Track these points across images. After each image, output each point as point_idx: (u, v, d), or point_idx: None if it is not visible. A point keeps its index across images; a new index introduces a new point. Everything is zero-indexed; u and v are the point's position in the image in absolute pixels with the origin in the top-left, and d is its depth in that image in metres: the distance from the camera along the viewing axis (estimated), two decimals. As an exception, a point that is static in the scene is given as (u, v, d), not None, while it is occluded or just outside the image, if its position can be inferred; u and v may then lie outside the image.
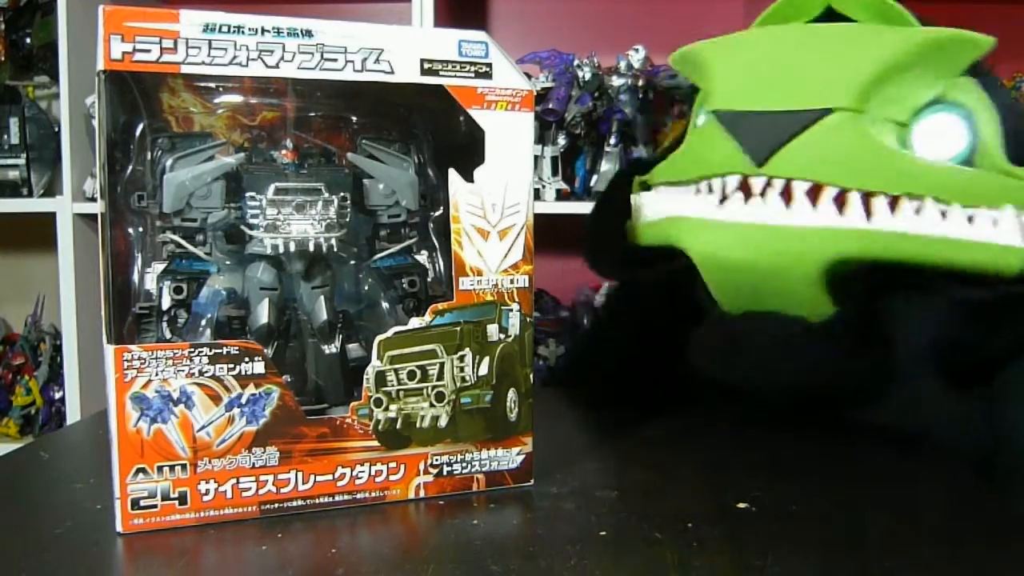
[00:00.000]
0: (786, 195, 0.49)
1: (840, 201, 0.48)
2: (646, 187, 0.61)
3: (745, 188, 0.50)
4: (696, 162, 0.53)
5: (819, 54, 0.50)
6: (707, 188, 0.52)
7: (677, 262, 0.54)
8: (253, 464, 0.43)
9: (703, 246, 0.51)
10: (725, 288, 0.52)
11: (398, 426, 0.45)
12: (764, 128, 0.48)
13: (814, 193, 0.48)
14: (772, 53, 0.52)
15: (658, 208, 0.56)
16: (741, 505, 0.45)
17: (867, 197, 0.47)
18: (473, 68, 0.45)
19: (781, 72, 0.50)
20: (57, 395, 1.46)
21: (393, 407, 0.45)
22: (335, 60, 0.43)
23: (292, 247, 0.44)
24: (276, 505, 0.43)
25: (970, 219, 0.47)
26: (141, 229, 0.43)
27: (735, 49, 0.55)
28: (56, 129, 1.41)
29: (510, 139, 0.46)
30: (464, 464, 0.47)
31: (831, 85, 0.48)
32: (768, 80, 0.51)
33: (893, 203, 0.47)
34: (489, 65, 0.45)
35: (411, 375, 0.45)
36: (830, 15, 0.57)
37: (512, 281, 0.47)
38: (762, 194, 0.49)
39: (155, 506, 0.41)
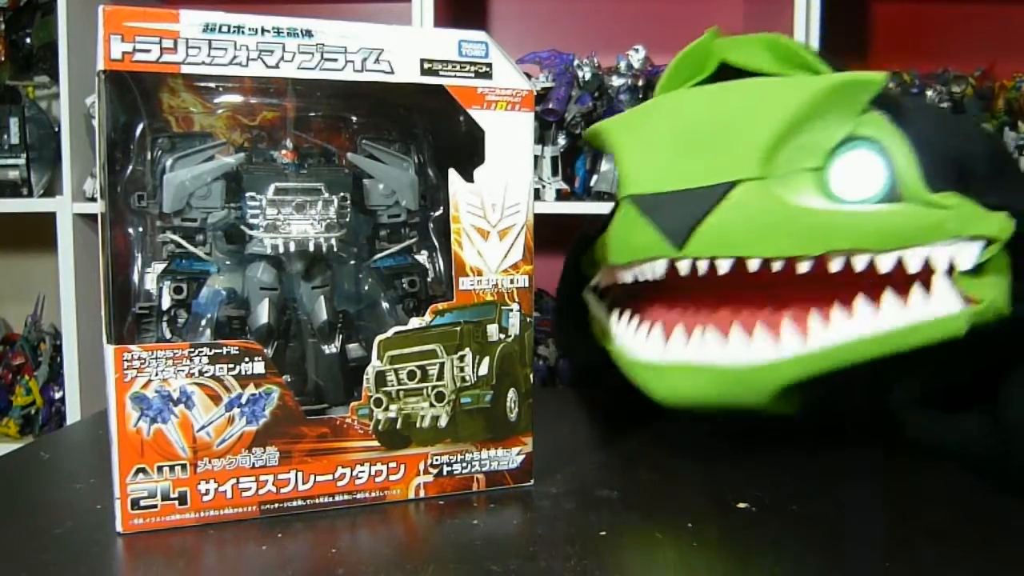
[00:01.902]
0: (722, 329, 0.50)
1: (772, 319, 0.49)
2: (591, 278, 0.63)
3: (672, 272, 0.51)
4: (624, 247, 0.54)
5: (717, 123, 0.51)
6: (643, 279, 0.53)
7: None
8: (253, 464, 0.43)
9: (659, 388, 0.52)
10: (690, 411, 0.53)
11: (398, 426, 0.45)
12: (677, 209, 0.49)
13: (739, 273, 0.49)
14: (673, 127, 0.53)
15: (614, 336, 0.57)
16: (741, 505, 0.45)
17: (800, 313, 0.48)
18: (473, 68, 0.45)
19: (684, 147, 0.51)
20: (57, 395, 1.46)
21: (393, 407, 0.45)
22: (335, 60, 0.43)
23: (292, 247, 0.44)
24: (276, 505, 0.43)
25: (903, 290, 0.46)
26: (141, 229, 0.43)
27: (638, 127, 0.55)
28: (56, 129, 1.41)
29: (510, 139, 0.46)
30: (464, 464, 0.47)
31: (732, 156, 0.48)
32: (673, 158, 0.51)
33: (824, 309, 0.48)
34: (489, 65, 0.45)
35: (411, 375, 0.45)
36: (725, 69, 0.58)
37: (512, 281, 0.47)
38: (692, 276, 0.50)
39: (155, 506, 0.41)
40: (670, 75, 0.61)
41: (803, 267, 0.47)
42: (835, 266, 0.47)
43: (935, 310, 0.45)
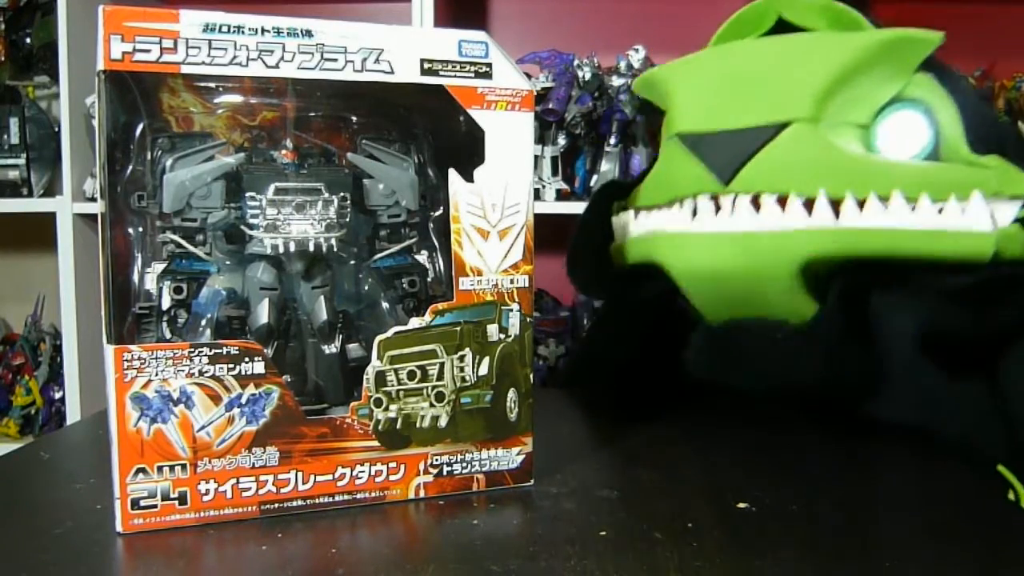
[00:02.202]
0: (755, 204, 0.49)
1: (808, 205, 0.48)
2: (624, 209, 0.62)
3: (715, 205, 0.51)
4: (666, 186, 0.54)
5: (772, 68, 0.51)
6: (679, 207, 0.53)
7: (656, 283, 0.55)
8: (253, 464, 0.43)
9: (679, 260, 0.52)
10: (705, 299, 0.53)
11: (398, 426, 0.45)
12: (726, 147, 0.49)
13: (782, 202, 0.49)
14: (728, 71, 0.53)
15: (637, 228, 0.58)
16: (741, 505, 0.45)
17: (835, 201, 0.48)
18: (473, 68, 0.45)
19: (738, 90, 0.51)
20: (57, 395, 1.46)
21: (393, 407, 0.45)
22: (335, 60, 0.43)
23: (292, 247, 0.44)
24: (276, 505, 0.43)
25: (939, 211, 0.47)
26: (141, 229, 0.43)
27: (692, 70, 0.56)
28: (56, 129, 1.41)
29: (510, 139, 0.46)
30: (464, 464, 0.47)
31: (786, 98, 0.49)
32: (726, 99, 0.51)
33: (861, 204, 0.48)
34: (489, 65, 0.45)
35: (411, 375, 0.45)
36: (782, 27, 0.58)
37: (512, 281, 0.47)
38: (732, 206, 0.50)
39: (155, 506, 0.41)
40: (727, 29, 0.60)
41: (846, 204, 0.47)
42: (875, 207, 0.47)
43: (968, 222, 0.46)
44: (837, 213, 0.48)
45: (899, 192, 0.47)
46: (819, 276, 0.49)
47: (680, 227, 0.52)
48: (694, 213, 0.52)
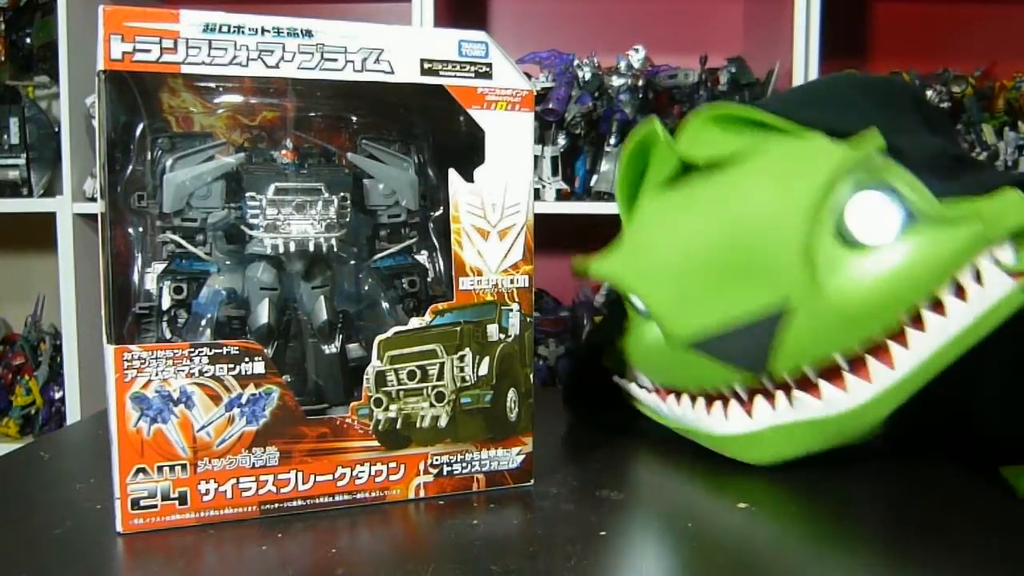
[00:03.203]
0: (809, 390, 0.49)
1: (858, 366, 0.48)
2: (622, 364, 0.61)
3: (763, 391, 0.51)
4: (693, 379, 0.53)
5: (741, 247, 0.49)
6: (722, 408, 0.53)
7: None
8: (253, 464, 0.43)
9: (759, 457, 0.52)
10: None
11: (398, 426, 0.45)
12: (742, 341, 0.48)
13: (828, 375, 0.49)
14: (693, 264, 0.51)
15: (679, 413, 0.56)
16: (741, 505, 0.45)
17: (878, 349, 0.48)
18: (473, 68, 0.45)
19: (719, 280, 0.50)
20: (57, 395, 1.46)
21: (393, 407, 0.45)
22: (335, 60, 0.43)
23: (292, 247, 0.44)
24: (276, 505, 0.43)
25: (965, 301, 0.47)
26: (141, 229, 0.43)
27: (657, 268, 0.52)
28: (56, 129, 1.41)
29: (510, 139, 0.46)
30: (464, 464, 0.47)
31: (775, 277, 0.48)
32: (712, 294, 0.50)
33: (897, 337, 0.48)
34: (489, 65, 0.45)
35: (411, 375, 0.45)
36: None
37: (512, 281, 0.47)
38: (788, 398, 0.50)
39: (155, 506, 0.41)
40: (623, 178, 0.57)
41: (896, 359, 0.47)
42: (906, 319, 0.47)
43: (993, 295, 0.47)
44: (890, 363, 0.47)
45: (926, 310, 0.47)
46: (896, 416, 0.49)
47: (743, 428, 0.51)
48: (747, 411, 0.51)
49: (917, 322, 0.47)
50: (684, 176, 0.54)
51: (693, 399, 0.55)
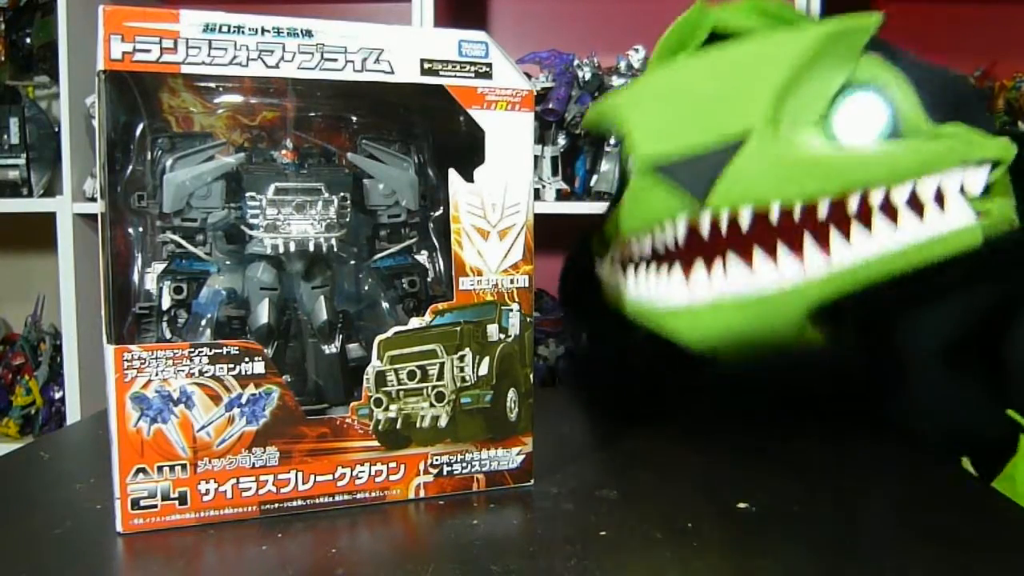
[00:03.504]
0: (741, 245, 0.50)
1: (794, 242, 0.49)
2: (605, 246, 0.62)
3: (692, 235, 0.51)
4: (641, 213, 0.54)
5: (720, 82, 0.51)
6: (662, 246, 0.54)
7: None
8: (253, 464, 0.43)
9: (691, 332, 0.53)
10: (717, 350, 0.54)
11: (398, 426, 0.45)
12: (694, 167, 0.50)
13: (771, 249, 0.49)
14: (677, 92, 0.53)
15: (635, 291, 0.57)
16: (741, 505, 0.45)
17: (820, 230, 0.48)
18: (473, 68, 0.45)
19: (690, 110, 0.51)
20: (57, 395, 1.46)
21: (393, 407, 0.45)
22: (335, 60, 0.43)
23: (292, 247, 0.44)
24: (276, 505, 0.43)
25: (916, 208, 0.47)
26: (141, 229, 0.43)
27: (643, 96, 0.55)
28: (56, 129, 1.41)
29: (510, 139, 0.46)
30: (464, 464, 0.47)
31: (741, 110, 0.49)
32: (681, 120, 0.51)
33: (841, 226, 0.48)
34: (489, 65, 0.45)
35: (411, 375, 0.45)
36: (716, 37, 0.57)
37: (512, 281, 0.47)
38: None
39: (155, 506, 0.41)
40: (661, 47, 0.61)
41: (822, 209, 0.47)
42: (852, 205, 0.47)
43: (951, 222, 0.47)
44: (827, 250, 0.48)
45: (879, 214, 0.47)
46: (824, 308, 0.50)
47: (681, 300, 0.52)
48: (686, 276, 0.52)
49: (865, 220, 0.48)
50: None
51: (637, 269, 0.56)
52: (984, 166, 0.47)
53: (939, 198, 0.47)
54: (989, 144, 0.47)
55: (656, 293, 0.54)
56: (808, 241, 0.48)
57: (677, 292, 0.53)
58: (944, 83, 0.51)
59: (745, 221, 0.49)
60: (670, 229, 0.52)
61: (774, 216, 0.48)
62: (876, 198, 0.47)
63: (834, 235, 0.48)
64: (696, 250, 0.53)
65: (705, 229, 0.50)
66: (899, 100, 0.48)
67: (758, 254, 0.49)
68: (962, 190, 0.47)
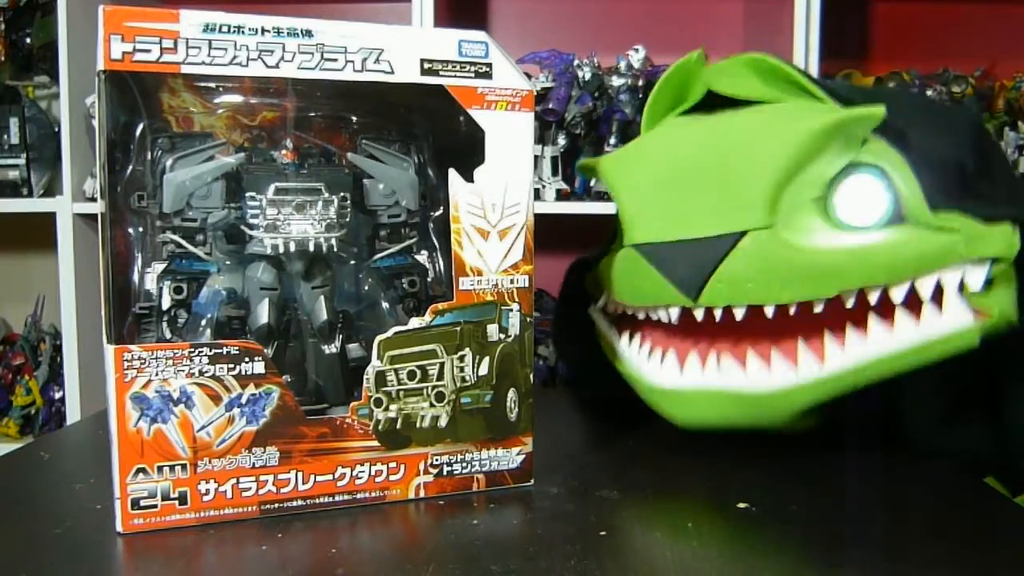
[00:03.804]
0: (736, 347, 0.50)
1: (788, 347, 0.49)
2: (599, 287, 0.62)
3: (689, 317, 0.51)
4: (634, 292, 0.54)
5: (717, 167, 0.50)
6: (655, 318, 0.54)
7: None
8: (253, 464, 0.43)
9: (681, 414, 0.53)
10: (711, 431, 0.54)
11: (398, 426, 0.45)
12: (686, 260, 0.49)
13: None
14: (671, 171, 0.52)
15: (627, 356, 0.57)
16: (741, 505, 0.45)
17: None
18: (473, 68, 0.45)
19: (685, 194, 0.50)
20: (57, 395, 1.46)
21: (393, 407, 0.45)
22: (335, 60, 0.43)
23: (292, 247, 0.44)
24: (276, 505, 0.43)
25: (912, 308, 0.46)
26: (141, 229, 0.43)
27: (635, 169, 0.54)
28: (56, 129, 1.41)
29: (510, 139, 0.46)
30: (464, 464, 0.47)
31: (737, 206, 0.48)
32: (674, 205, 0.51)
33: (836, 331, 0.48)
34: (489, 65, 0.45)
35: (411, 375, 0.45)
36: (712, 95, 0.57)
37: (512, 281, 0.47)
38: (707, 324, 0.50)
39: (155, 506, 0.41)
40: (655, 99, 0.60)
41: (818, 308, 0.47)
42: (849, 302, 0.47)
43: (948, 326, 0.45)
44: (822, 357, 0.48)
45: (873, 316, 0.47)
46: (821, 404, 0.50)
47: (673, 382, 0.52)
48: (680, 361, 0.52)
49: (860, 324, 0.47)
50: (704, 110, 0.55)
51: (632, 336, 0.56)
52: (985, 263, 0.45)
53: (937, 296, 0.46)
54: (990, 240, 0.45)
55: (648, 369, 0.54)
56: (802, 348, 0.48)
57: (669, 375, 0.53)
58: (950, 157, 0.49)
59: (740, 314, 0.49)
60: (663, 312, 0.52)
61: (769, 312, 0.48)
62: (873, 297, 0.47)
63: (828, 339, 0.48)
64: (690, 332, 0.53)
65: (699, 316, 0.50)
66: (900, 186, 0.47)
67: (752, 356, 0.49)
68: (962, 286, 0.45)
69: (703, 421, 0.52)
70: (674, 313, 0.51)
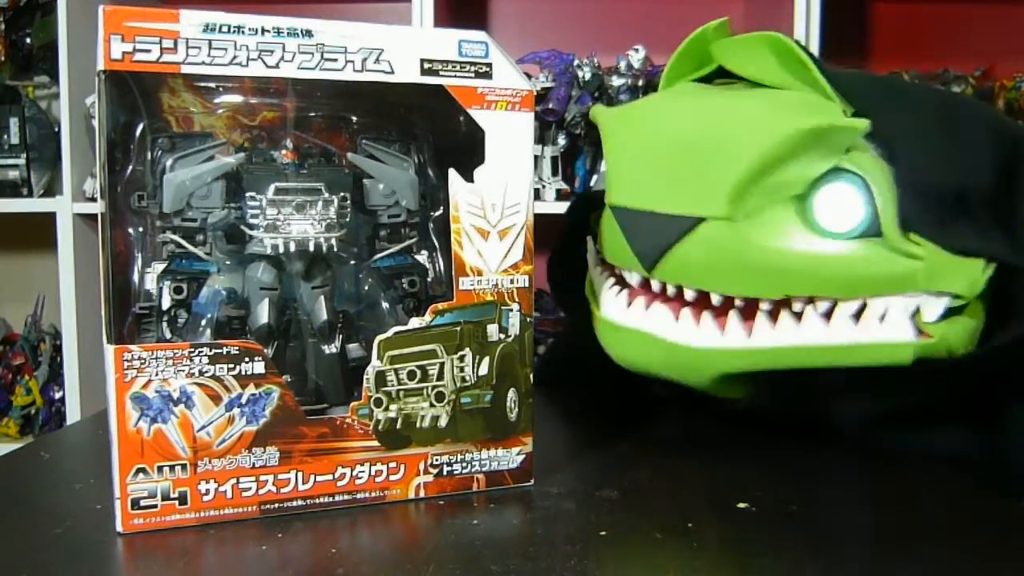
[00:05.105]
0: (677, 302, 0.51)
1: (723, 314, 0.49)
2: (595, 235, 0.63)
3: (646, 284, 0.52)
4: (609, 249, 0.55)
5: (696, 148, 0.50)
6: (621, 280, 0.55)
7: None
8: (253, 464, 0.43)
9: (611, 349, 0.54)
10: (646, 375, 0.55)
11: (398, 426, 0.45)
12: (649, 232, 0.50)
13: (698, 309, 0.50)
14: (658, 142, 0.52)
15: (598, 293, 0.58)
16: (741, 505, 0.45)
17: (749, 308, 0.49)
18: (473, 68, 0.45)
19: (663, 168, 0.50)
20: (57, 395, 1.46)
21: (393, 407, 0.45)
22: (335, 60, 0.43)
23: (292, 247, 0.44)
24: (276, 505, 0.43)
25: (856, 316, 0.46)
26: (141, 229, 0.43)
27: (629, 132, 0.54)
28: (56, 129, 1.41)
29: (510, 139, 0.46)
30: (464, 464, 0.47)
31: (703, 192, 0.48)
32: (652, 176, 0.51)
33: (774, 314, 0.48)
34: (489, 65, 0.45)
35: (411, 375, 0.45)
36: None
37: (512, 281, 0.47)
38: (663, 293, 0.51)
39: (155, 506, 0.41)
40: (672, 67, 0.61)
41: (765, 305, 0.48)
42: (796, 306, 0.47)
43: (885, 335, 0.46)
44: (749, 332, 0.48)
45: (815, 305, 0.47)
46: (737, 380, 0.50)
47: (618, 317, 0.54)
48: (629, 302, 0.53)
49: (799, 313, 0.48)
50: (722, 78, 0.56)
51: (609, 277, 0.57)
52: (943, 297, 0.45)
53: (884, 315, 0.46)
54: (955, 276, 0.45)
55: (605, 299, 0.56)
56: (733, 318, 0.49)
57: (618, 310, 0.54)
58: (937, 186, 0.48)
59: (689, 295, 0.50)
60: (627, 273, 0.54)
61: (715, 300, 0.49)
62: (821, 306, 0.47)
63: (761, 318, 0.48)
64: (644, 289, 0.54)
65: (655, 288, 0.52)
66: (879, 201, 0.46)
67: (685, 313, 0.50)
68: (916, 313, 0.45)
69: (634, 362, 0.53)
70: (635, 278, 0.53)
